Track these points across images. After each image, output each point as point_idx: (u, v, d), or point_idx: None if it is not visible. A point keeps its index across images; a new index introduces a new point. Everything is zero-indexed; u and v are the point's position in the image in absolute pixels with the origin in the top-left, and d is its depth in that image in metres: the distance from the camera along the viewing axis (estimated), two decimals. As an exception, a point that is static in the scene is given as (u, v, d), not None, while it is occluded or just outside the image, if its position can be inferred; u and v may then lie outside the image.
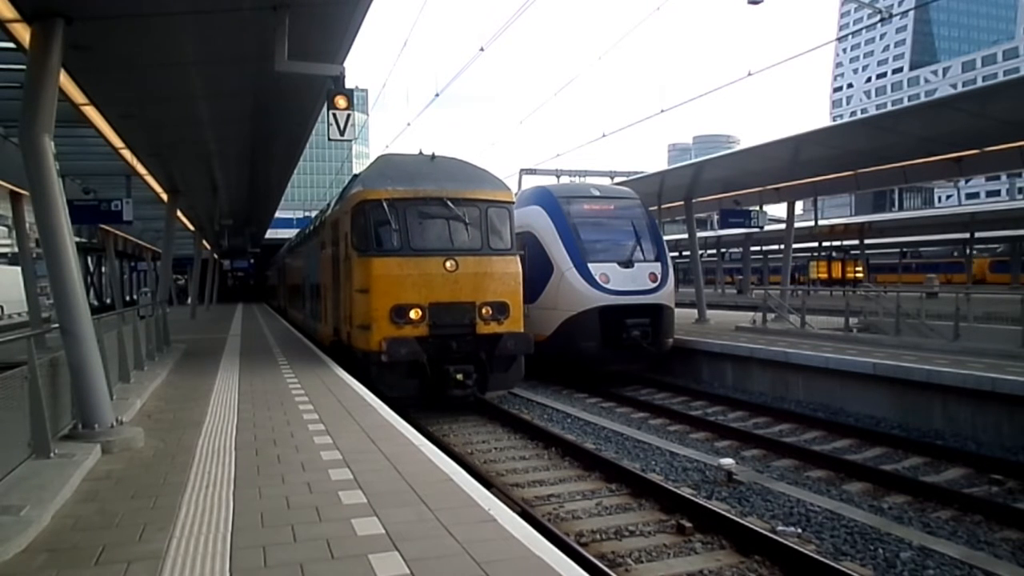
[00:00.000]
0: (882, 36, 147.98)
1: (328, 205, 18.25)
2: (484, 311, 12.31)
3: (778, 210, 32.65)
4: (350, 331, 12.97)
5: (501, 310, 12.47)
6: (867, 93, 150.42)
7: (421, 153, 13.74)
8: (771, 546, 6.69)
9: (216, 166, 18.87)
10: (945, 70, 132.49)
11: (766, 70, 15.67)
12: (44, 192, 7.11)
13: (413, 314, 11.86)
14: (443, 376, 11.85)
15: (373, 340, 11.73)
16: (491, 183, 13.31)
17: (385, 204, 12.09)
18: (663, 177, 23.81)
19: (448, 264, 12.07)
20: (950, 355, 13.80)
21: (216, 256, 43.47)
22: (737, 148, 24.74)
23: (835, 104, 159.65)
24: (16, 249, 31.05)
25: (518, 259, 13.03)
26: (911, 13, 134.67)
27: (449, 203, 12.36)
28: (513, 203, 13.21)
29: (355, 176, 14.79)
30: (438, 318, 11.97)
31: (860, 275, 42.73)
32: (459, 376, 11.82)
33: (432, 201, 12.37)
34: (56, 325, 7.48)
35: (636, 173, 26.15)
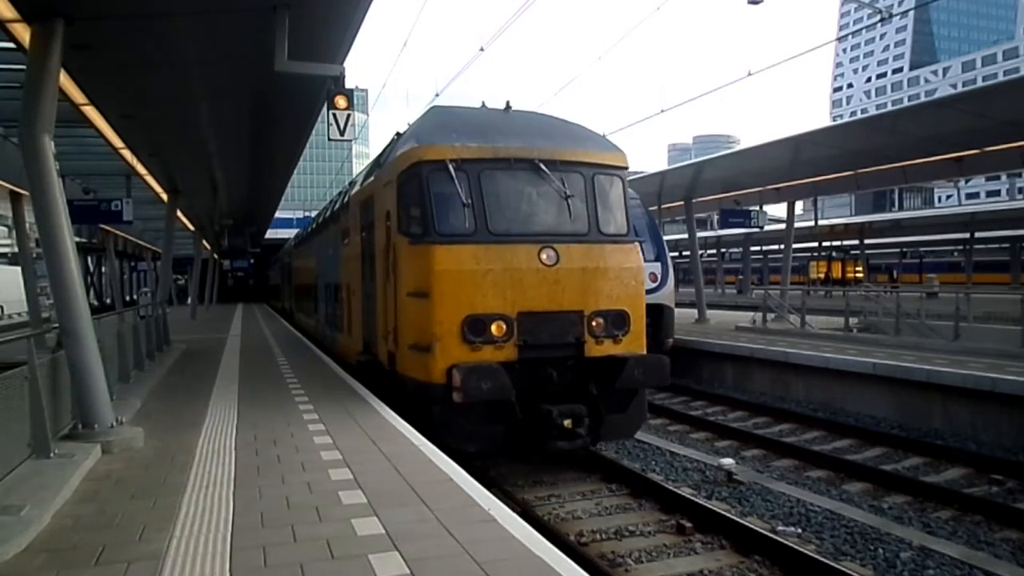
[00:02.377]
0: (882, 36, 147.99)
1: (352, 182, 14.96)
2: (595, 324, 8.59)
3: (778, 210, 32.69)
4: (394, 351, 9.19)
5: (618, 323, 8.73)
6: (867, 93, 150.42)
7: (484, 106, 10.39)
8: (771, 546, 6.69)
9: (216, 166, 18.88)
10: (945, 70, 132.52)
11: (766, 70, 15.68)
12: (44, 192, 7.11)
13: (495, 329, 8.14)
14: (540, 420, 8.08)
15: (436, 368, 8.02)
16: (596, 141, 9.66)
17: (452, 167, 8.33)
18: (663, 177, 23.83)
19: (544, 255, 8.43)
20: (950, 355, 13.80)
21: (216, 256, 43.46)
22: (737, 148, 24.77)
23: (835, 104, 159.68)
24: (16, 249, 31.04)
25: (638, 249, 9.41)
26: (911, 13, 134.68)
27: (543, 166, 8.66)
28: (627, 168, 9.53)
29: (399, 135, 10.66)
30: (531, 335, 8.27)
31: (860, 275, 42.75)
32: (566, 422, 8.02)
33: (519, 164, 8.64)
34: (56, 325, 7.48)
35: (636, 173, 26.15)
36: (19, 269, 24.11)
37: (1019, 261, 38.80)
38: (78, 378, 7.15)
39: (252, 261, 49.64)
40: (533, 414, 8.11)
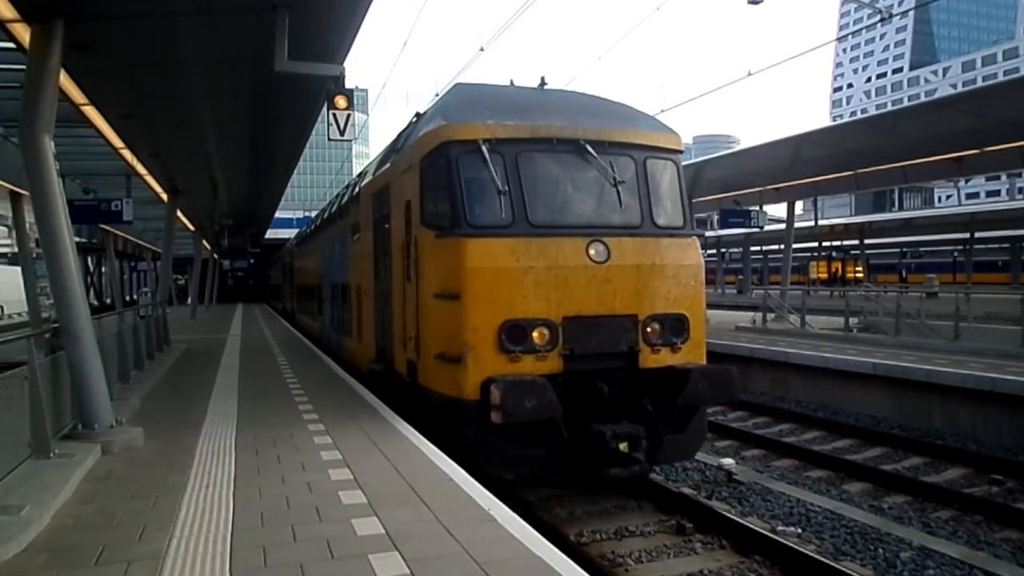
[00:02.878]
0: (882, 36, 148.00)
1: (361, 173, 13.74)
2: (650, 330, 7.59)
3: (778, 210, 32.68)
4: (416, 361, 8.14)
5: (677, 329, 7.72)
6: (867, 93, 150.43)
7: (512, 84, 9.50)
8: (771, 546, 6.69)
9: (216, 166, 18.88)
10: (945, 70, 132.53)
11: (766, 70, 15.70)
12: (44, 192, 7.11)
13: (537, 336, 7.15)
14: (590, 442, 7.04)
15: (468, 382, 7.01)
16: (646, 121, 8.68)
17: (485, 148, 7.35)
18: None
19: (593, 251, 7.40)
20: (950, 355, 13.80)
21: (216, 256, 43.47)
22: (737, 148, 24.78)
23: (835, 104, 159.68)
24: (16, 249, 31.06)
25: (697, 243, 8.32)
26: (911, 13, 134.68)
27: (589, 148, 7.68)
28: (682, 152, 8.54)
29: (419, 115, 9.49)
30: (578, 343, 7.27)
31: (860, 275, 42.75)
32: (622, 446, 6.98)
33: (562, 145, 7.67)
34: (56, 324, 7.49)
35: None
36: (19, 269, 24.12)
37: (1019, 261, 38.77)
38: (78, 378, 7.15)
39: (252, 261, 49.70)
40: (581, 435, 7.06)
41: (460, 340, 7.10)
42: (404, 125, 10.31)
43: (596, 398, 7.28)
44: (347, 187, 15.59)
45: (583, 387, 7.26)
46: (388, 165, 9.92)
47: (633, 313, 7.52)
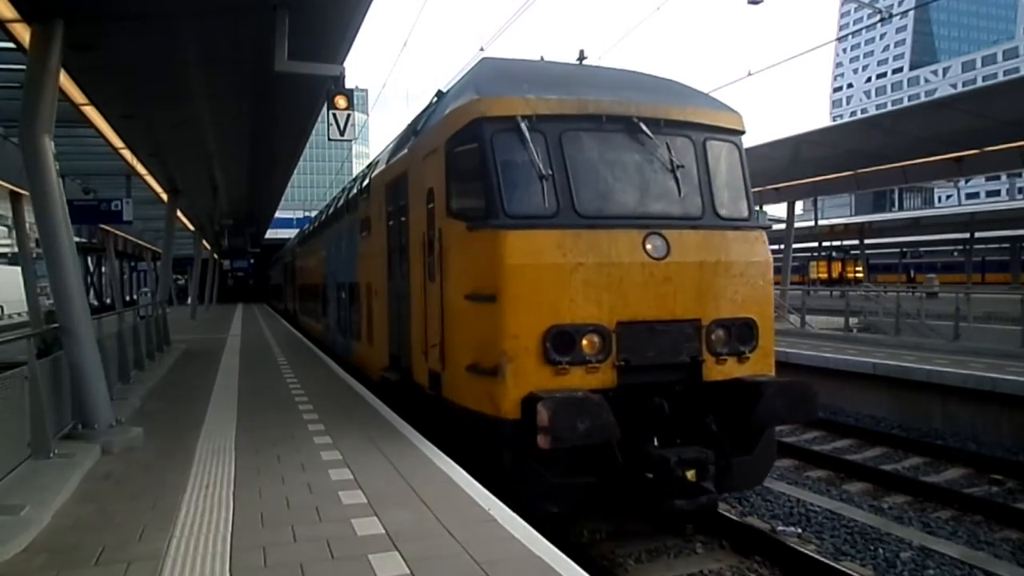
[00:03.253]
0: (882, 36, 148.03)
1: (372, 163, 12.55)
2: (715, 338, 6.71)
3: (778, 210, 32.69)
4: (440, 371, 7.27)
5: (745, 336, 6.84)
6: (867, 93, 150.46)
7: (542, 60, 8.67)
8: (771, 546, 6.69)
9: (216, 166, 18.88)
10: (945, 70, 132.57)
11: (766, 70, 15.70)
12: (44, 192, 7.11)
13: (586, 345, 6.26)
14: (649, 468, 6.12)
15: (506, 398, 6.12)
16: (703, 98, 7.75)
17: (525, 126, 6.47)
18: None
19: (650, 245, 6.52)
20: (950, 355, 13.81)
21: (216, 256, 43.48)
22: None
23: (835, 104, 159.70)
24: (16, 249, 31.09)
25: (765, 237, 7.34)
26: (911, 13, 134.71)
27: (643, 127, 6.79)
28: (745, 133, 7.61)
29: (441, 93, 8.60)
30: (634, 352, 6.39)
31: (860, 275, 42.74)
32: (689, 474, 6.05)
33: (613, 123, 6.78)
34: (56, 325, 7.49)
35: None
36: (19, 269, 24.14)
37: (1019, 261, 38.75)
38: (78, 378, 7.15)
39: (252, 261, 49.71)
40: (638, 460, 6.17)
41: (497, 349, 6.16)
42: (423, 106, 9.26)
43: (654, 416, 6.34)
44: (355, 179, 14.48)
45: (639, 404, 6.34)
46: (405, 151, 8.91)
47: (696, 318, 6.61)
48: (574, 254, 6.29)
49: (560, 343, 6.17)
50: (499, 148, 6.53)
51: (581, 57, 8.18)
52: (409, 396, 8.51)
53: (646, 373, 6.43)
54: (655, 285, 6.49)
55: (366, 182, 11.85)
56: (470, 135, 6.73)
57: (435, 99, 8.68)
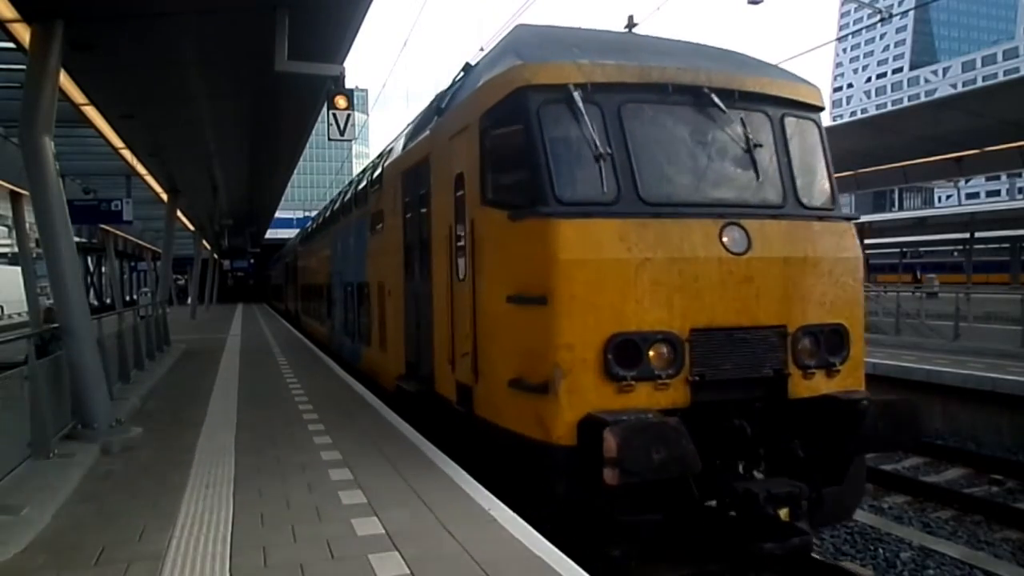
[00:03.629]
0: (882, 36, 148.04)
1: (383, 153, 11.64)
2: (802, 347, 5.78)
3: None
4: (473, 385, 6.36)
5: (835, 345, 5.92)
6: (867, 93, 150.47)
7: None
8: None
9: (216, 166, 18.88)
10: (945, 70, 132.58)
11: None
12: (44, 192, 7.11)
13: (655, 356, 5.38)
14: (731, 504, 5.27)
15: (559, 420, 5.23)
16: (776, 70, 6.84)
17: (579, 96, 5.56)
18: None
19: (727, 238, 5.61)
20: (950, 355, 13.80)
21: (216, 256, 43.49)
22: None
23: (835, 104, 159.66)
24: (16, 249, 31.11)
25: (854, 230, 6.38)
26: (911, 13, 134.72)
27: (716, 99, 5.86)
28: (823, 109, 6.70)
29: (469, 66, 7.71)
30: (709, 365, 5.49)
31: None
32: (782, 512, 5.12)
33: (680, 94, 5.86)
34: (54, 324, 7.49)
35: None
36: (19, 269, 24.15)
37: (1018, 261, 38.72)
38: (78, 378, 7.16)
39: (252, 261, 49.73)
40: (718, 494, 5.33)
41: (547, 362, 5.26)
42: (448, 83, 8.30)
43: (734, 441, 5.49)
44: (363, 171, 13.62)
45: (716, 426, 5.45)
46: (426, 133, 8.04)
47: (781, 324, 5.68)
48: (640, 247, 5.36)
49: (624, 354, 5.25)
50: (547, 122, 5.58)
51: (630, 24, 7.04)
52: (431, 410, 7.63)
53: (723, 390, 5.51)
54: (734, 285, 5.54)
55: (378, 172, 10.95)
56: (512, 108, 5.76)
57: (461, 73, 7.82)
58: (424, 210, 7.99)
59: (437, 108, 7.98)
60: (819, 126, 6.52)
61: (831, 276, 5.92)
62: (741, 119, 5.94)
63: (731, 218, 5.64)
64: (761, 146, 5.95)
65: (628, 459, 4.70)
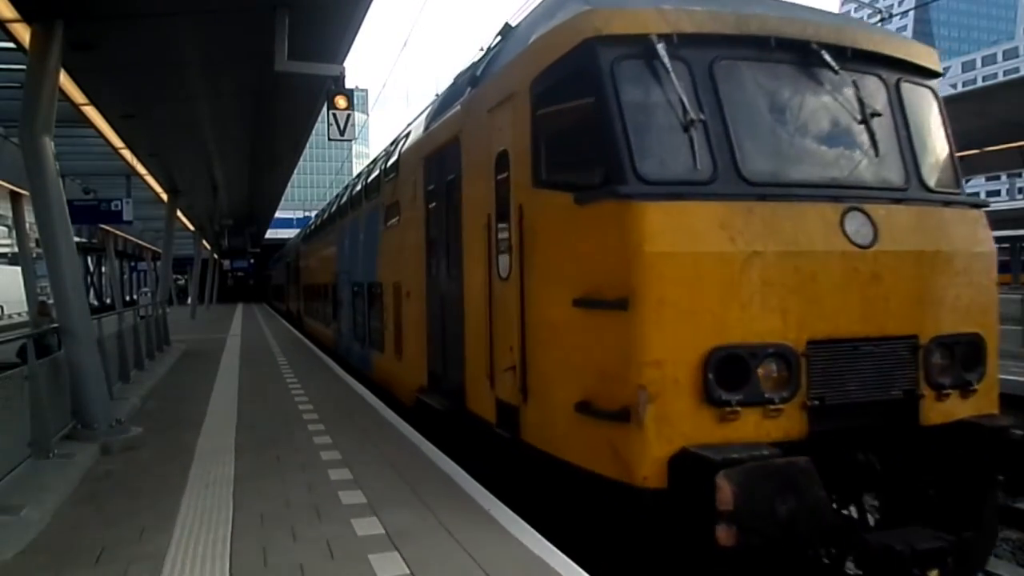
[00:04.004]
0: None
1: (398, 139, 10.66)
2: (935, 362, 4.78)
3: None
4: (521, 405, 5.38)
5: (971, 359, 5.01)
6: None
7: None
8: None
9: (216, 166, 18.89)
10: (945, 70, 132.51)
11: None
12: (44, 192, 7.11)
13: (765, 375, 4.37)
14: (862, 558, 4.38)
15: (646, 455, 4.24)
16: (886, 30, 6.21)
17: (663, 49, 4.56)
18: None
19: (851, 226, 4.61)
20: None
21: (216, 256, 43.50)
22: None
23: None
24: (16, 249, 31.12)
25: (985, 218, 5.39)
26: (911, 13, 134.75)
27: (826, 56, 4.87)
28: (942, 76, 5.83)
29: (508, 28, 6.89)
30: (830, 385, 4.48)
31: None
32: (932, 574, 4.11)
33: (783, 49, 4.84)
34: (56, 325, 7.49)
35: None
36: (19, 269, 24.16)
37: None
38: (77, 378, 7.15)
39: (252, 261, 49.75)
40: (845, 548, 4.53)
41: (630, 382, 4.25)
42: (489, 43, 7.31)
43: (860, 481, 4.66)
44: (374, 160, 12.54)
45: (837, 461, 4.49)
46: (456, 109, 7.14)
47: (912, 334, 4.65)
48: (746, 238, 4.35)
49: (728, 373, 4.24)
50: (624, 81, 4.52)
51: None
52: (462, 430, 6.72)
53: (846, 416, 4.45)
54: (860, 286, 4.51)
55: (393, 159, 9.92)
56: (578, 65, 4.77)
57: (498, 38, 6.94)
58: (452, 198, 7.07)
59: (471, 78, 6.90)
60: (937, 95, 5.59)
61: (966, 275, 4.92)
62: (854, 82, 4.95)
63: (852, 202, 4.61)
64: (879, 115, 4.96)
65: (749, 513, 3.73)
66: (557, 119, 5.12)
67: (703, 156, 4.46)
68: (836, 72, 4.85)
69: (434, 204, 7.88)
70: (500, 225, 5.75)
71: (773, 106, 4.85)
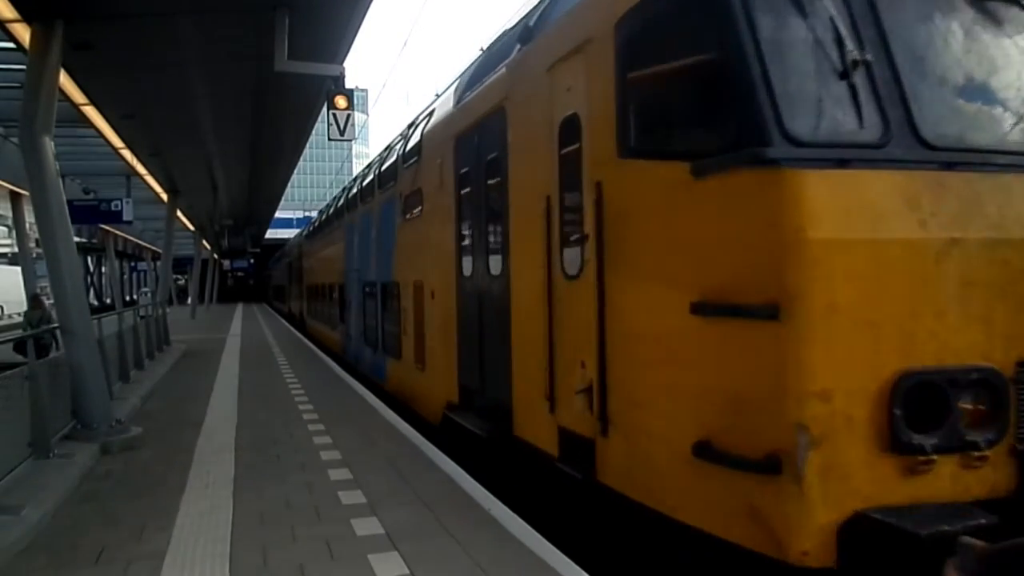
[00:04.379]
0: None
1: (415, 122, 9.59)
2: None
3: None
4: (595, 438, 4.38)
5: None
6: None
7: None
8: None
9: (216, 166, 18.91)
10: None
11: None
12: (44, 192, 7.11)
13: (965, 409, 3.19)
14: None
15: (807, 522, 3.05)
16: None
17: None
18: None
19: None
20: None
21: (216, 256, 43.52)
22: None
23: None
24: (16, 249, 31.13)
25: None
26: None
27: None
28: None
29: None
30: None
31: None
32: None
33: None
34: (56, 325, 7.50)
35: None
36: (19, 269, 24.17)
37: None
38: (77, 378, 7.15)
39: (252, 261, 49.80)
40: None
41: (782, 419, 3.15)
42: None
43: None
44: (388, 148, 11.43)
45: None
46: (500, 72, 6.09)
47: None
48: (941, 221, 3.24)
49: (920, 407, 3.15)
50: (760, 9, 3.40)
51: None
52: (505, 459, 5.78)
53: None
54: None
55: (413, 142, 8.81)
56: None
57: None
58: (494, 181, 6.05)
59: (521, 33, 5.82)
60: None
61: None
62: None
63: None
64: None
65: None
66: (656, 67, 3.95)
67: (869, 111, 3.33)
68: (1022, 5, 3.71)
69: (468, 190, 6.80)
70: (566, 207, 4.73)
71: (956, 44, 3.64)
